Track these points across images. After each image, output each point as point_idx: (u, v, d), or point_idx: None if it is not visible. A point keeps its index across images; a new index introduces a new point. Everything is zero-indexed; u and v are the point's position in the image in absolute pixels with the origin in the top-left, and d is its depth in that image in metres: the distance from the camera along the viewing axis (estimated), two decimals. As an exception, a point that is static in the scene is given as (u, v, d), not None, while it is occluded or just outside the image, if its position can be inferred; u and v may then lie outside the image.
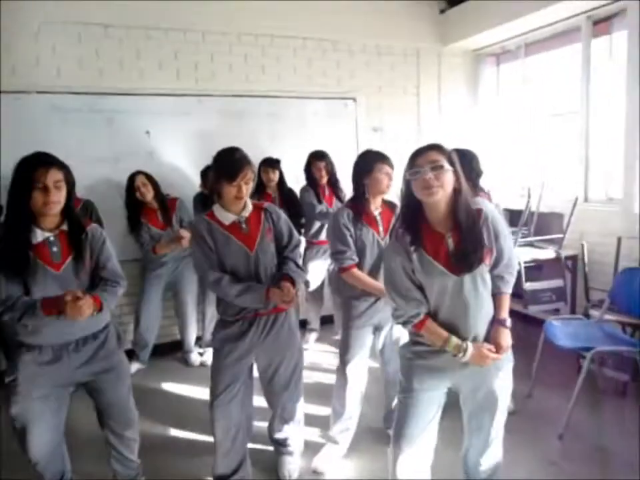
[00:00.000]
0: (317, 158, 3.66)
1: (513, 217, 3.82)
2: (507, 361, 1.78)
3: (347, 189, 3.15)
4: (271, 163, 3.69)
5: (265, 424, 2.43)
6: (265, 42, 4.00)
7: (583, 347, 2.67)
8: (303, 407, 2.39)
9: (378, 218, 2.36)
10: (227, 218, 2.04)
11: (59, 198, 1.75)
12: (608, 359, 3.16)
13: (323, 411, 2.70)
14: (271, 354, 2.17)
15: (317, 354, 3.81)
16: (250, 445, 2.30)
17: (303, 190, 3.74)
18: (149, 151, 3.74)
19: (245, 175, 1.97)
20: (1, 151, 3.11)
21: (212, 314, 3.56)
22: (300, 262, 2.25)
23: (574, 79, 3.89)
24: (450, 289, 1.65)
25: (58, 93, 3.45)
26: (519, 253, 3.44)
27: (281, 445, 2.38)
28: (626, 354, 2.77)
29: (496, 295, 1.75)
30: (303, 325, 4.00)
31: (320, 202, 3.66)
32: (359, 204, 2.33)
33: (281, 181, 3.76)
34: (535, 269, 3.60)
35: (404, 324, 1.73)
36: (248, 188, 2.02)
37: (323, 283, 3.90)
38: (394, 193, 2.13)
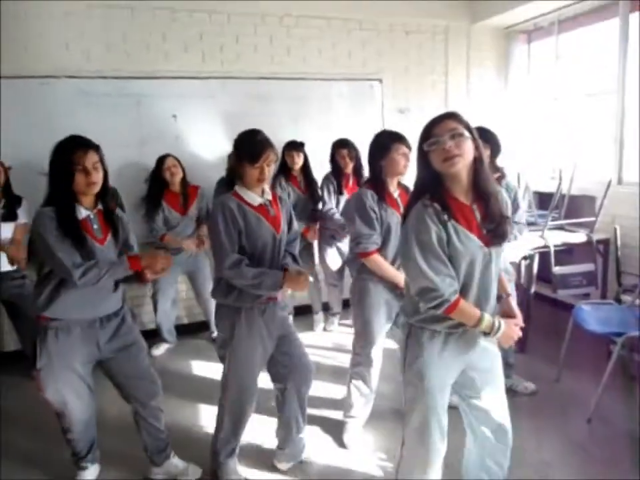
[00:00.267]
0: (340, 146, 3.62)
1: (544, 200, 3.75)
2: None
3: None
4: (296, 146, 3.68)
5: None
6: (290, 22, 3.96)
7: (613, 332, 2.62)
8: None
9: (398, 200, 2.32)
10: (255, 200, 2.03)
11: (98, 179, 1.85)
12: (639, 345, 3.09)
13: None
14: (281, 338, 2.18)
15: (342, 335, 3.85)
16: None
17: (324, 178, 3.72)
18: (175, 134, 3.78)
19: (267, 156, 1.96)
20: (32, 135, 3.19)
21: None
22: (297, 254, 2.21)
23: (609, 57, 3.75)
24: (480, 262, 1.59)
25: (87, 77, 3.50)
26: (548, 236, 3.39)
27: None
28: (659, 340, 2.71)
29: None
30: (325, 308, 4.04)
31: (341, 193, 3.63)
32: (378, 185, 2.28)
33: (305, 164, 3.76)
34: (566, 253, 3.53)
35: (437, 306, 1.53)
36: (270, 170, 2.01)
37: (343, 266, 3.90)
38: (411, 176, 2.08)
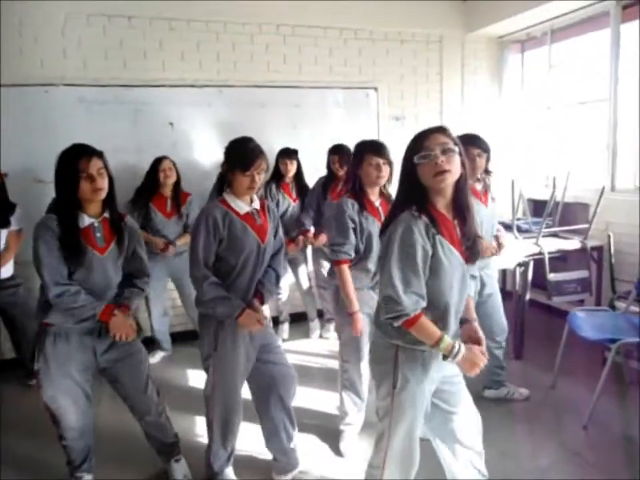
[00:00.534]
0: (332, 152, 3.60)
1: (538, 207, 3.77)
2: None
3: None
4: (289, 154, 3.69)
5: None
6: (286, 31, 3.99)
7: (608, 338, 2.64)
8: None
9: (380, 209, 2.33)
10: (242, 208, 2.01)
11: (103, 184, 1.86)
12: (634, 351, 3.11)
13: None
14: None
15: (338, 342, 3.82)
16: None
17: (314, 184, 3.72)
18: (172, 142, 3.78)
19: (259, 165, 1.96)
20: (29, 142, 3.19)
21: None
22: (281, 270, 2.21)
23: (601, 66, 3.80)
24: (459, 279, 1.56)
25: (84, 85, 3.51)
26: (543, 243, 3.41)
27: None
28: (653, 346, 2.73)
29: None
30: (320, 315, 4.04)
31: (325, 198, 3.57)
32: (359, 194, 2.30)
33: (298, 171, 3.77)
34: (560, 260, 3.56)
35: (395, 318, 1.49)
36: (260, 178, 1.99)
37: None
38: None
